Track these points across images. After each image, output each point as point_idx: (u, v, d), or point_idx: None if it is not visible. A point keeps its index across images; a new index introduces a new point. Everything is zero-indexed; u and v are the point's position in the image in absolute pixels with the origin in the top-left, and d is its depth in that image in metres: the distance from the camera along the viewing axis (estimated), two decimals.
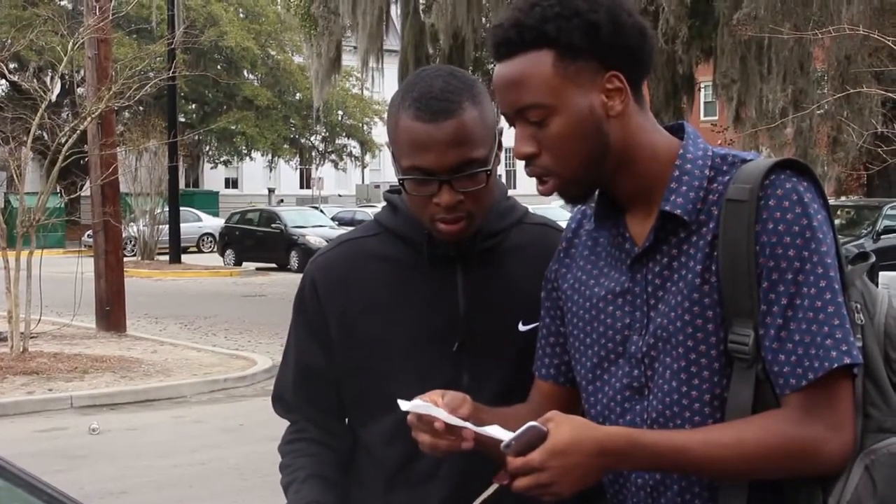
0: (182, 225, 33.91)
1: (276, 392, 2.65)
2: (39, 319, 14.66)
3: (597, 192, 2.15)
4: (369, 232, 2.56)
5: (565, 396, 2.24)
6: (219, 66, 47.75)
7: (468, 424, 2.00)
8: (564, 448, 1.88)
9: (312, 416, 2.58)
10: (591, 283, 2.18)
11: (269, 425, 10.85)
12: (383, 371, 2.42)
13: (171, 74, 21.52)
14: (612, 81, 2.04)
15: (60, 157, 14.83)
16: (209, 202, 49.24)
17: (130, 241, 33.66)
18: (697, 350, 2.00)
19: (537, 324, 2.36)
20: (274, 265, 32.59)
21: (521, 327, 2.43)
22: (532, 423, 1.90)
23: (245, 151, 52.88)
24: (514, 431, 1.91)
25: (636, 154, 2.08)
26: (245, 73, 50.59)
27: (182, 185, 40.72)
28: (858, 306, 2.00)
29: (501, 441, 1.91)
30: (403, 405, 2.03)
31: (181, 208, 33.53)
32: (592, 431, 1.93)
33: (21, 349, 13.89)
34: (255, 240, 33.46)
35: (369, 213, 37.66)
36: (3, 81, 34.67)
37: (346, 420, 2.59)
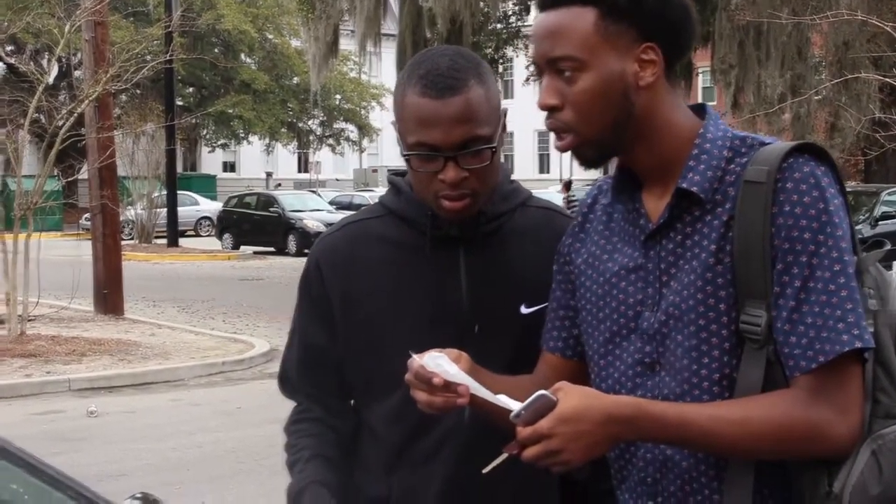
0: (180, 209, 33.90)
1: (281, 373, 2.66)
2: (37, 302, 14.66)
3: (616, 167, 2.17)
4: (373, 214, 2.57)
5: (572, 370, 2.25)
6: (216, 50, 47.73)
7: (473, 382, 2.01)
8: (573, 415, 1.89)
9: (317, 397, 2.59)
10: (605, 259, 2.18)
11: (267, 408, 10.89)
12: (387, 352, 2.41)
13: (168, 58, 21.48)
14: (647, 52, 2.06)
15: (58, 141, 14.81)
16: (207, 186, 49.26)
17: (128, 225, 33.66)
18: (709, 329, 2.01)
19: (540, 306, 2.37)
20: (271, 249, 32.61)
21: (524, 310, 2.44)
22: (541, 391, 1.91)
23: (242, 135, 52.87)
24: (519, 401, 1.92)
25: (658, 128, 2.09)
26: (242, 56, 50.54)
27: (180, 168, 40.77)
28: (872, 292, 2.01)
29: (510, 410, 1.92)
30: (416, 358, 2.04)
31: (179, 192, 33.52)
32: (601, 399, 1.94)
33: (19, 332, 13.89)
34: (253, 224, 33.48)
35: (367, 197, 37.72)
36: (0, 64, 34.58)
37: (350, 401, 2.60)
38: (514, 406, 1.93)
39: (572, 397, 1.91)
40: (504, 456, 1.97)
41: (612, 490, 2.22)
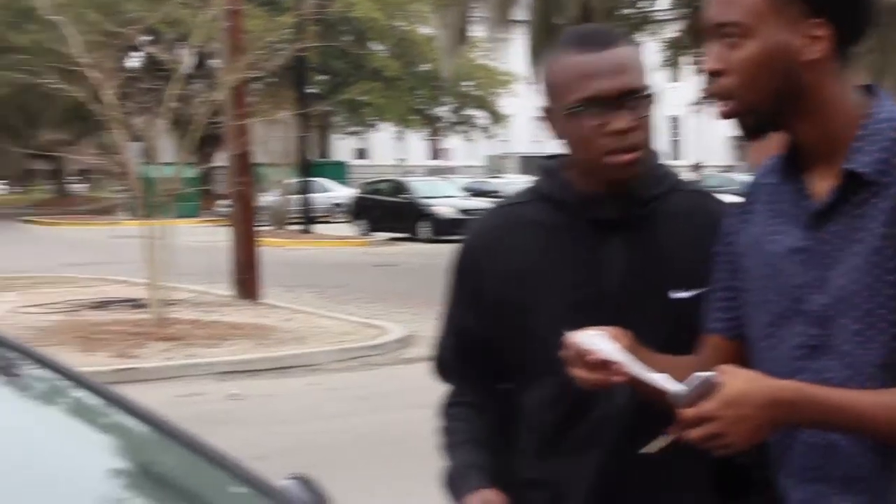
0: (312, 195, 34.24)
1: (435, 357, 2.68)
2: (177, 287, 14.94)
3: (782, 147, 2.13)
4: (524, 199, 2.58)
5: (735, 351, 2.21)
6: (347, 38, 48.05)
7: (630, 361, 2.00)
8: (737, 398, 1.88)
9: (471, 382, 2.61)
10: (769, 239, 2.15)
11: (403, 394, 10.96)
12: (539, 336, 2.41)
13: (301, 46, 21.69)
14: (816, 28, 2.03)
15: (195, 128, 15.05)
16: (338, 172, 49.69)
17: (263, 211, 34.14)
18: (876, 313, 1.97)
19: (694, 292, 2.35)
20: (404, 235, 32.77)
21: (678, 295, 2.41)
22: (704, 373, 1.89)
23: (373, 122, 53.21)
24: (679, 381, 1.91)
25: (824, 105, 2.06)
26: (373, 44, 50.82)
27: (312, 155, 41.11)
28: None
29: (670, 391, 1.91)
30: (573, 336, 2.04)
31: (311, 179, 33.84)
32: (765, 382, 1.93)
33: (160, 316, 14.16)
34: (386, 210, 33.67)
35: (499, 183, 37.70)
36: (140, 53, 35.27)
37: (504, 385, 2.60)
38: (675, 387, 1.91)
39: (737, 380, 1.89)
40: (665, 438, 1.96)
41: (771, 476, 2.20)
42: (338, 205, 40.97)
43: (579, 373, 2.05)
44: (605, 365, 2.02)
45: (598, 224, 2.43)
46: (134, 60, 37.14)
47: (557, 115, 2.40)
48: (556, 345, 2.17)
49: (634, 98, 2.33)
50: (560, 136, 2.43)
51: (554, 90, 2.40)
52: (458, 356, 2.61)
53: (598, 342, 2.03)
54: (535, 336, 2.44)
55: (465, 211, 30.74)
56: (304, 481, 2.67)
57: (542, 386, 2.44)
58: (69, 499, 2.14)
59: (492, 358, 2.55)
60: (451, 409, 2.63)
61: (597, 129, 2.33)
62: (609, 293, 2.41)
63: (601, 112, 2.32)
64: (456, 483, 2.50)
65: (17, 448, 2.21)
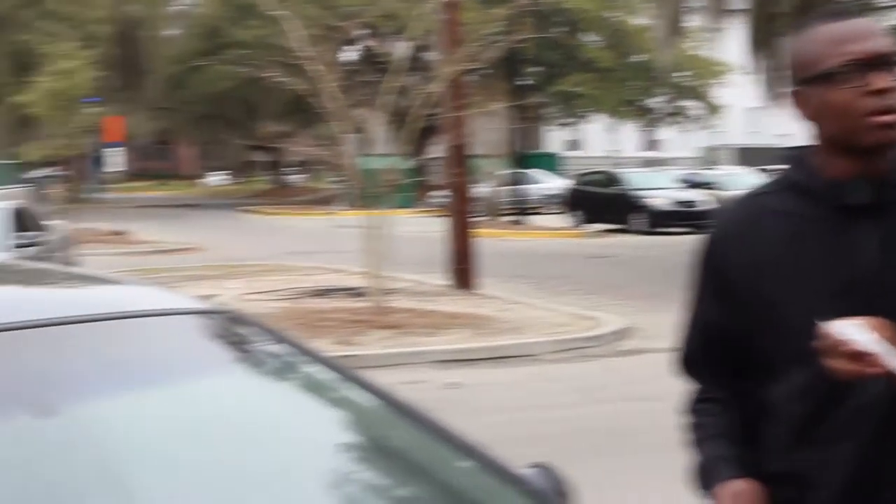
0: (524, 186, 34.33)
1: (679, 353, 2.66)
2: (395, 276, 15.16)
3: None
4: (770, 189, 2.54)
5: None
6: (560, 29, 47.99)
7: (889, 352, 1.94)
8: None
9: (716, 377, 2.59)
10: None
11: (621, 386, 10.85)
12: (789, 328, 2.36)
13: (516, 38, 21.74)
14: None
15: (413, 120, 15.23)
16: (550, 164, 49.75)
17: (477, 202, 34.39)
18: None
19: None
20: (617, 227, 32.58)
21: None
22: None
23: (585, 113, 53.04)
24: None
25: None
26: (586, 35, 50.65)
27: (524, 147, 41.24)
28: None
29: None
30: (828, 326, 1.99)
31: (524, 170, 33.94)
32: None
33: (379, 305, 14.37)
34: (599, 201, 33.53)
35: (714, 175, 37.11)
36: (356, 47, 35.93)
37: (750, 379, 2.56)
38: None
39: None
40: None
41: None
42: (550, 196, 40.95)
43: (836, 363, 2.00)
44: (861, 356, 1.97)
45: (848, 210, 2.38)
46: (351, 54, 37.83)
47: (809, 91, 2.38)
48: (808, 335, 2.12)
49: (888, 62, 2.32)
50: (813, 113, 2.40)
51: (807, 63, 2.38)
52: (704, 352, 2.59)
53: (855, 332, 1.98)
54: (785, 327, 2.39)
55: (680, 203, 30.38)
56: (546, 470, 2.68)
57: (792, 378, 2.39)
58: (304, 472, 2.19)
59: (737, 352, 2.52)
60: (699, 405, 2.62)
61: (856, 92, 2.32)
62: (862, 281, 2.35)
63: (860, 74, 2.31)
64: (706, 475, 2.50)
65: (256, 421, 2.27)
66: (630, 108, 53.06)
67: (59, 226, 17.89)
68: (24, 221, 14.97)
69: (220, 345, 2.48)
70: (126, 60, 44.13)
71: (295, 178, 64.23)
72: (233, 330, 2.50)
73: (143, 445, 2.03)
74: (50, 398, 1.94)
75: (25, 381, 1.96)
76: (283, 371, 2.48)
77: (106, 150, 35.65)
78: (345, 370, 2.54)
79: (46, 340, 2.04)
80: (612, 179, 34.47)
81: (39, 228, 15.60)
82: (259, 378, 2.47)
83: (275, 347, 2.49)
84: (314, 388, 2.50)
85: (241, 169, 71.26)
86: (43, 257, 13.71)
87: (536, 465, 2.67)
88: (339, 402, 2.52)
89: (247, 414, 2.27)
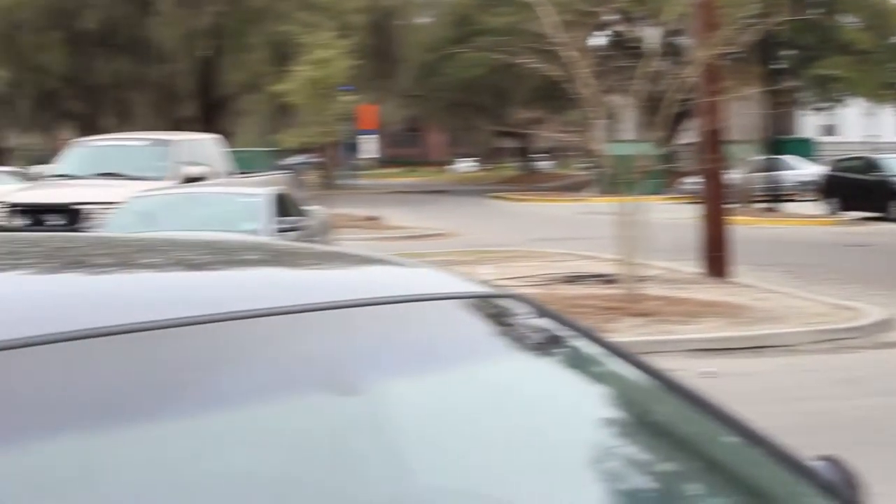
0: (778, 173, 33.54)
1: None
2: (646, 264, 15.03)
3: None
4: None
5: None
6: (816, 11, 46.65)
7: None
8: None
9: None
10: None
11: (884, 378, 10.51)
12: None
13: (773, 21, 21.25)
14: None
15: (667, 106, 15.05)
16: (805, 150, 48.50)
17: (730, 189, 33.83)
18: None
19: None
20: (876, 215, 31.55)
21: None
22: None
23: (842, 98, 51.48)
24: None
25: None
26: (843, 16, 49.12)
27: (778, 132, 40.31)
28: None
29: None
30: None
31: (777, 156, 33.17)
32: None
33: (632, 292, 14.28)
34: (856, 188, 32.53)
35: None
36: (606, 32, 35.74)
37: None
38: None
39: None
40: None
41: None
42: (805, 183, 39.90)
43: None
44: None
45: None
46: (601, 39, 37.65)
47: None
48: None
49: None
50: None
51: None
52: None
53: None
54: None
55: None
56: (834, 462, 2.60)
57: None
58: (567, 446, 2.18)
59: None
60: None
61: None
62: None
63: None
64: None
65: (520, 396, 2.26)
66: (890, 91, 51.14)
67: (317, 211, 18.39)
68: (285, 207, 15.44)
69: (506, 328, 2.50)
70: (379, 49, 45.05)
71: (543, 165, 64.45)
72: (520, 314, 2.51)
73: (426, 426, 2.06)
74: (346, 377, 1.97)
75: (316, 363, 2.00)
76: (545, 347, 2.48)
77: (360, 137, 36.45)
78: (608, 343, 2.51)
79: (348, 322, 2.08)
80: (870, 165, 33.38)
81: (300, 214, 16.07)
82: (548, 363, 2.47)
83: (563, 332, 2.49)
84: (578, 363, 2.48)
85: (490, 155, 71.94)
86: (304, 242, 14.13)
87: (824, 458, 2.59)
88: (604, 377, 2.49)
89: (539, 398, 2.27)
